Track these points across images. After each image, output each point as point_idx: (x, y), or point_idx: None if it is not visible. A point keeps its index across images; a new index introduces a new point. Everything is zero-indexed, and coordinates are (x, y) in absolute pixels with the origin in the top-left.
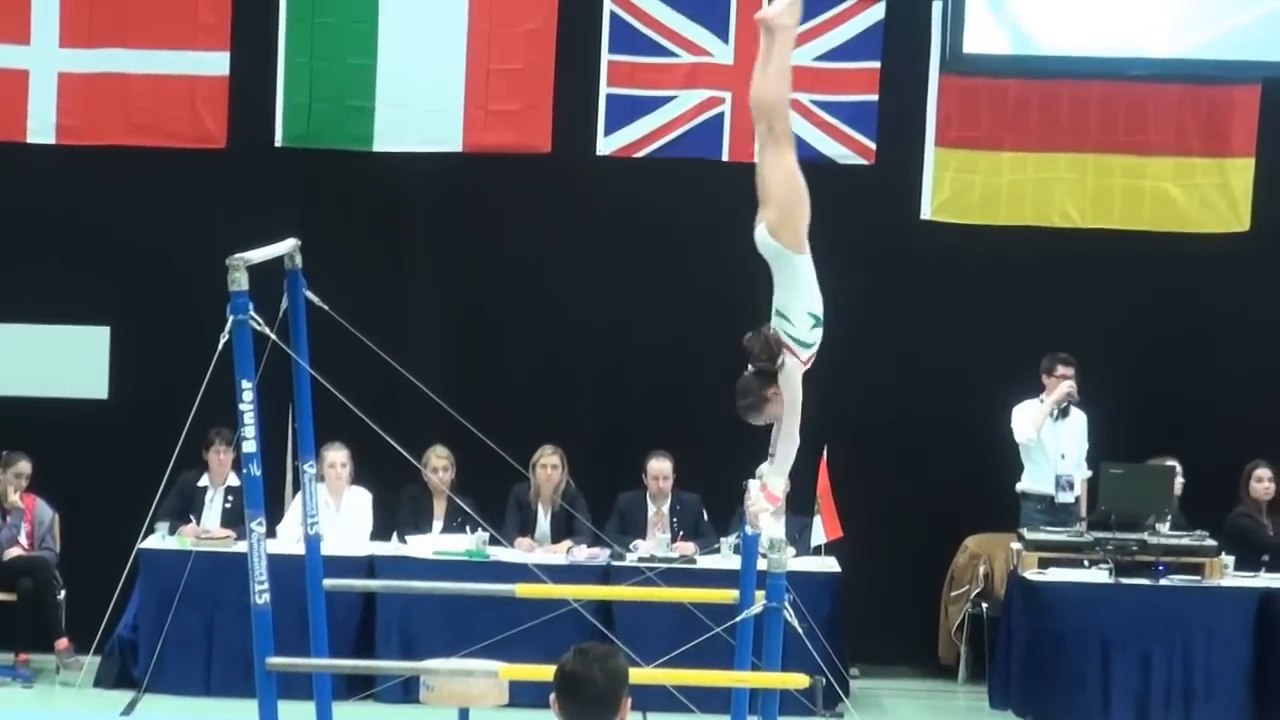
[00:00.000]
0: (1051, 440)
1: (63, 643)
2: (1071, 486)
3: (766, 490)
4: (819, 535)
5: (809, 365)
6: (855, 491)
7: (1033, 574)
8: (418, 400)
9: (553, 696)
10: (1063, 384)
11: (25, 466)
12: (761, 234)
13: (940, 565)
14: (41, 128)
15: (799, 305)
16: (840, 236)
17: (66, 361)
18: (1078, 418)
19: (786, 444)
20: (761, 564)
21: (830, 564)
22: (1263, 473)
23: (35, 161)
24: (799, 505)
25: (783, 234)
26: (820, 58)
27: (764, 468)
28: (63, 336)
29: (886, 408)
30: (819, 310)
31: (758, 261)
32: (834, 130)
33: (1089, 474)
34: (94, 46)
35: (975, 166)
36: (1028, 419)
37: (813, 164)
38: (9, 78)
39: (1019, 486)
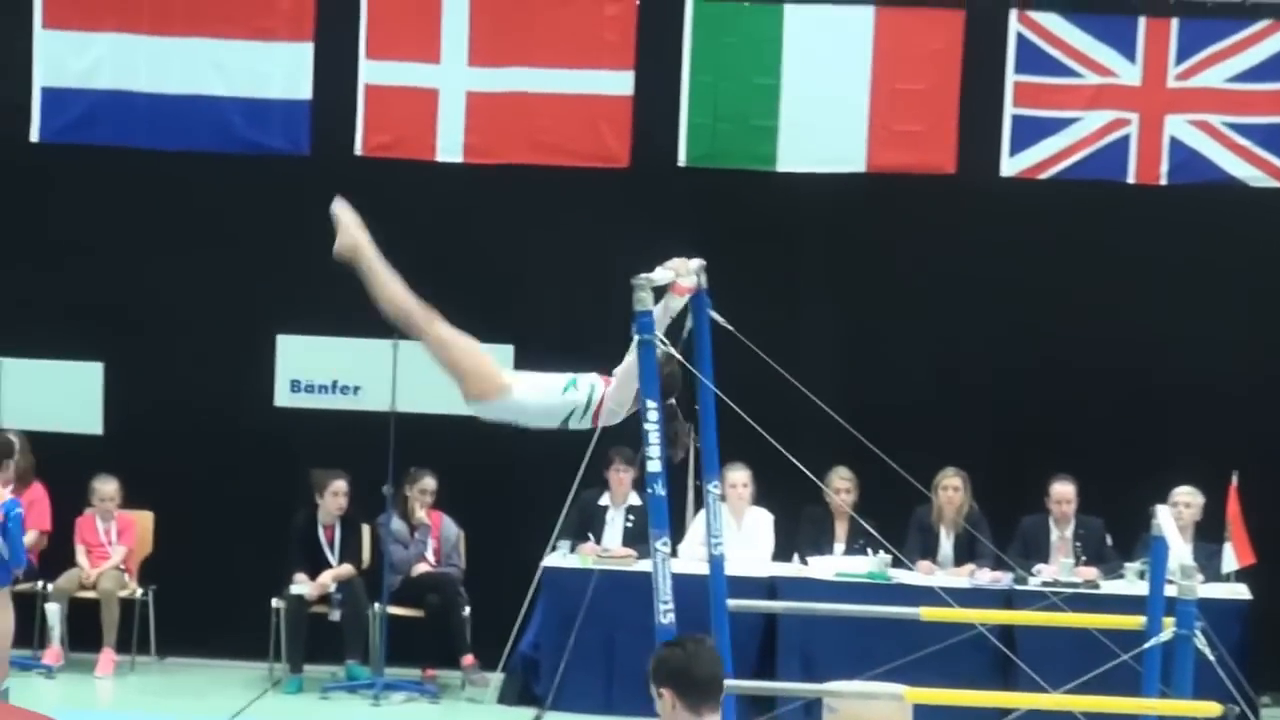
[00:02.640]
0: None
1: (468, 659)
2: None
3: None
4: (1230, 562)
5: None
6: (1271, 517)
7: None
8: (818, 421)
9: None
10: None
11: (430, 483)
12: (475, 408)
13: None
14: (450, 146)
15: (551, 410)
16: (1250, 261)
17: None
18: None
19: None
20: (1170, 590)
21: (1241, 590)
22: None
23: (439, 178)
24: (1209, 532)
25: (485, 393)
26: (1232, 79)
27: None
28: None
29: None
30: (564, 383)
31: (1155, 285)
32: (1245, 152)
33: None
34: (501, 65)
35: None
36: None
37: (1222, 187)
38: (419, 96)
39: None
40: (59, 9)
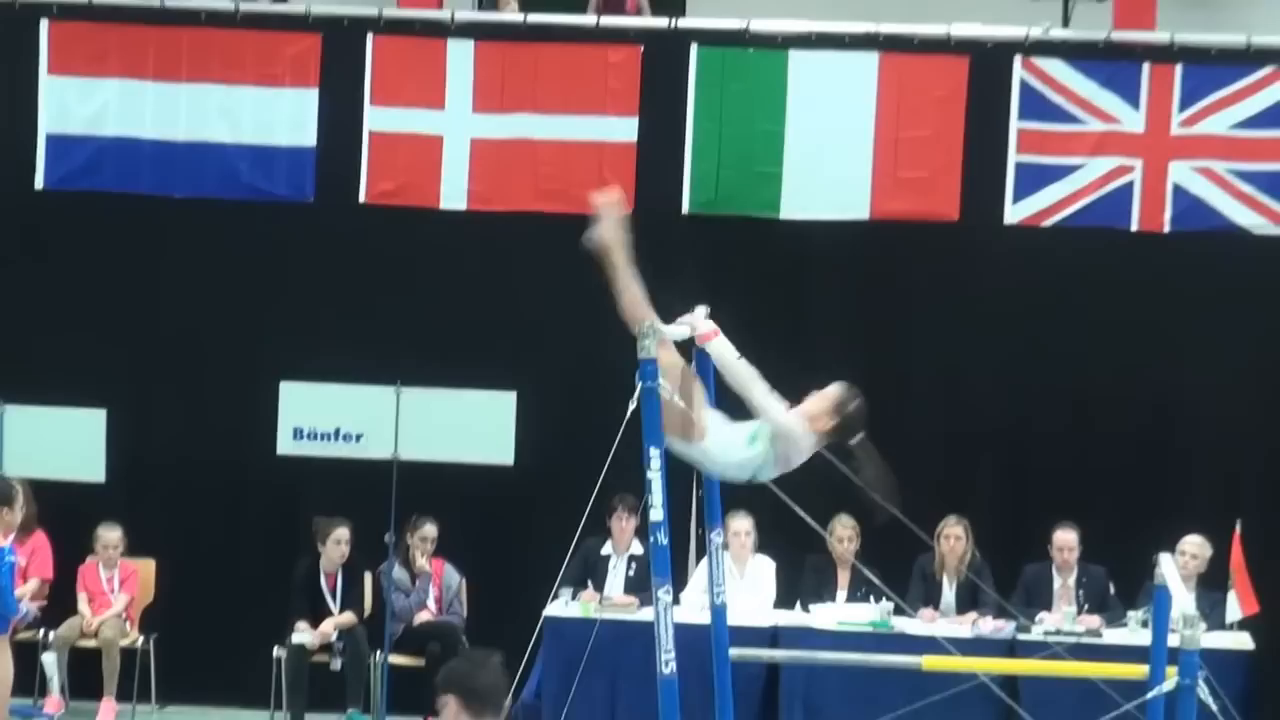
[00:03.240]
0: None
1: None
2: None
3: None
4: (1234, 611)
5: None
6: (1275, 566)
7: None
8: (821, 468)
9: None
10: None
11: (431, 530)
12: (672, 444)
13: None
14: (454, 194)
15: (740, 465)
16: (1254, 308)
17: (474, 426)
18: None
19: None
20: (1173, 639)
21: (1244, 640)
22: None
23: (443, 226)
24: (1213, 580)
25: (686, 432)
26: (1235, 126)
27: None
28: (469, 401)
29: None
30: (747, 436)
31: (1159, 333)
32: (1249, 199)
33: None
34: (505, 111)
35: None
36: None
37: (1226, 234)
38: (424, 143)
39: None
40: (65, 55)
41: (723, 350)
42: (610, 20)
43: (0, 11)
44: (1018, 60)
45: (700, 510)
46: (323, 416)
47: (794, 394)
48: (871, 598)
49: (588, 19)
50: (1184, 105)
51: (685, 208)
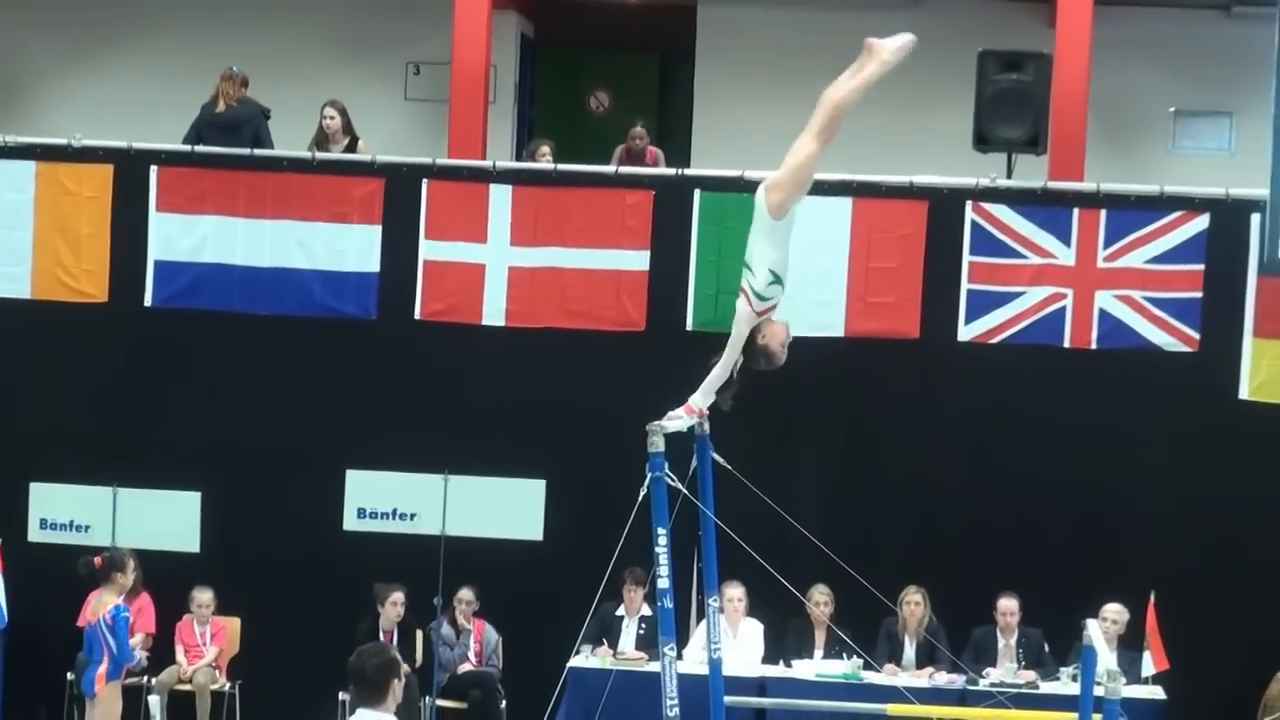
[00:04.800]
0: None
1: None
2: None
3: (687, 404)
4: (1148, 667)
5: (762, 315)
6: (1181, 630)
7: None
8: (802, 546)
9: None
10: None
11: (467, 594)
12: (761, 185)
13: (1255, 694)
14: (494, 312)
15: (762, 260)
16: (1167, 413)
17: (509, 508)
18: None
19: (716, 370)
20: (1098, 690)
21: (1158, 692)
22: None
23: (485, 339)
24: (1131, 641)
25: (771, 194)
26: (1151, 260)
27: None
28: (506, 487)
29: (1205, 559)
30: (781, 271)
31: (1088, 433)
32: (1162, 322)
33: None
34: (538, 245)
35: None
36: None
37: (1144, 351)
38: (470, 271)
39: None
40: (170, 196)
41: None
42: (627, 169)
43: (118, 158)
44: (969, 205)
45: (700, 580)
46: (383, 499)
47: (777, 488)
48: (844, 654)
49: (608, 168)
50: (1108, 243)
51: (689, 325)
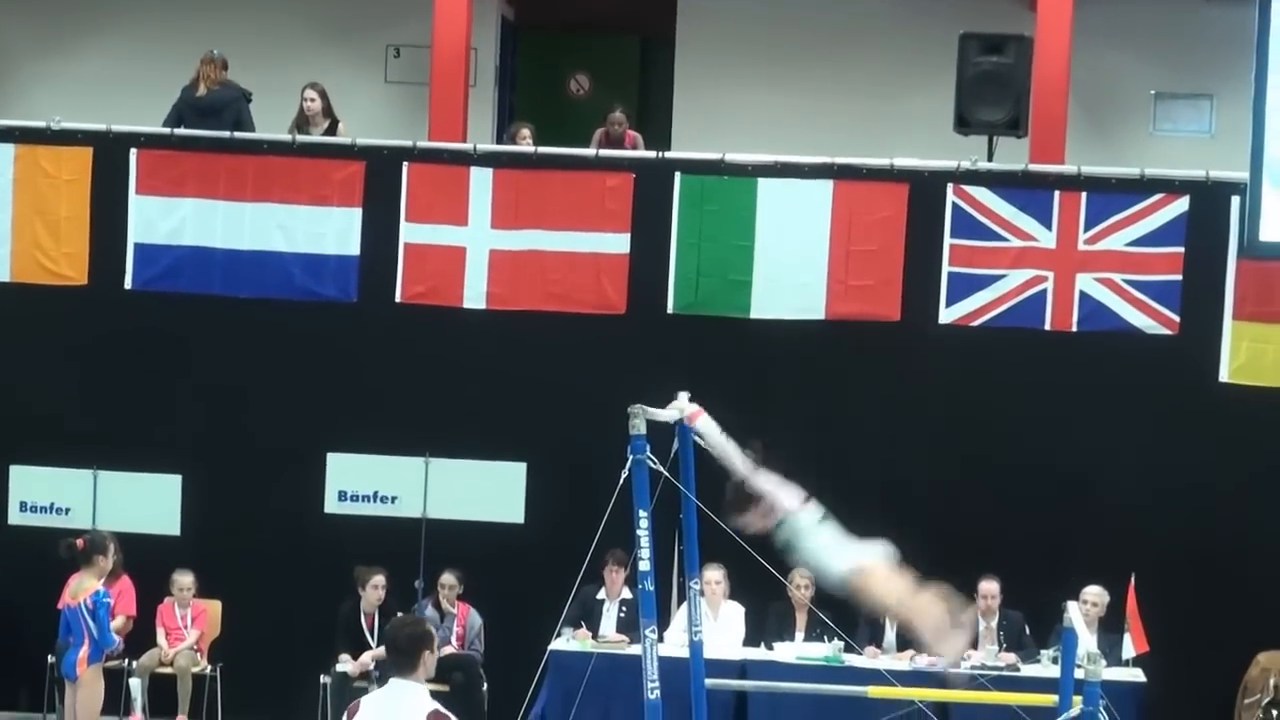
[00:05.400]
0: None
1: None
2: None
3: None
4: (1128, 650)
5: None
6: (1162, 612)
7: None
8: None
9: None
10: None
11: (448, 578)
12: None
13: (1235, 677)
14: (475, 295)
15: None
16: (1147, 396)
17: (490, 491)
18: None
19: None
20: (1078, 673)
21: (1137, 674)
22: None
23: (466, 322)
24: (1111, 624)
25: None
26: (1131, 243)
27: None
28: (486, 470)
29: (1185, 542)
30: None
31: (1068, 415)
32: (1143, 305)
33: None
34: (518, 228)
35: (1269, 337)
36: None
37: (1124, 333)
38: (450, 253)
39: None
40: (150, 178)
41: (708, 426)
42: (608, 152)
43: (98, 141)
44: (950, 187)
45: (681, 562)
46: (363, 482)
47: (760, 463)
48: (825, 637)
49: (589, 151)
50: (1088, 226)
51: (670, 308)
